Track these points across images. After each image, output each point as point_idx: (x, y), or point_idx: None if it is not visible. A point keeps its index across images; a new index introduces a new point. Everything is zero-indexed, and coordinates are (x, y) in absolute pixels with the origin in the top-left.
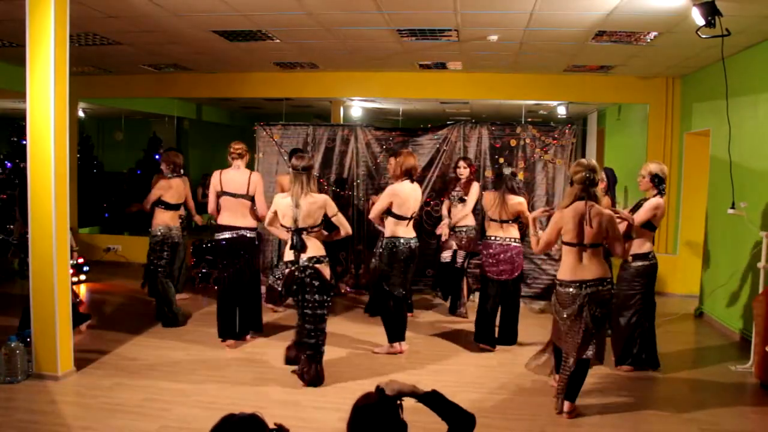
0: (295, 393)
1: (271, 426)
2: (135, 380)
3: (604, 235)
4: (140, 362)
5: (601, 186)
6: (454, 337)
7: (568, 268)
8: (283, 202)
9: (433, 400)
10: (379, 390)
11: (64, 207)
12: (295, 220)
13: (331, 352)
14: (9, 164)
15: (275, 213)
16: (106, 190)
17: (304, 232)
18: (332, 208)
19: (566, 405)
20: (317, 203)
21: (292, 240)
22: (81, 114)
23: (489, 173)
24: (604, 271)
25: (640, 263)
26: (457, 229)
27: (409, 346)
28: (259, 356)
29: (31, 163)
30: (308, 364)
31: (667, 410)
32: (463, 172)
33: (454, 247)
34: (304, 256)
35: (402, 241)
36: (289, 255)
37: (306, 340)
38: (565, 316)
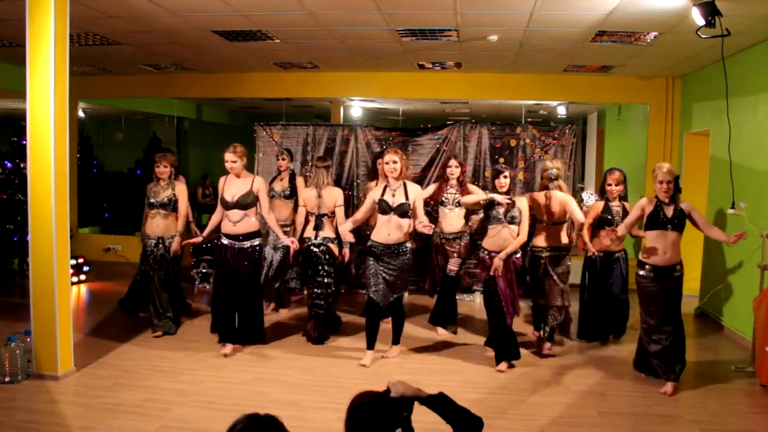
0: (295, 393)
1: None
2: (135, 380)
3: (562, 215)
4: (140, 362)
5: (619, 189)
6: (452, 337)
7: (542, 238)
8: (310, 195)
9: (438, 403)
10: (386, 390)
11: (64, 207)
12: (318, 207)
13: (331, 353)
14: (9, 164)
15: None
16: (106, 190)
17: (325, 217)
18: (340, 200)
19: (547, 345)
20: (333, 195)
21: (315, 222)
22: (81, 114)
23: (489, 173)
24: (562, 241)
25: (683, 271)
26: (453, 236)
27: (409, 346)
28: (259, 356)
29: (31, 163)
30: (315, 324)
31: (667, 410)
32: (455, 171)
33: (454, 255)
34: (321, 234)
35: None
36: (309, 233)
37: (315, 302)
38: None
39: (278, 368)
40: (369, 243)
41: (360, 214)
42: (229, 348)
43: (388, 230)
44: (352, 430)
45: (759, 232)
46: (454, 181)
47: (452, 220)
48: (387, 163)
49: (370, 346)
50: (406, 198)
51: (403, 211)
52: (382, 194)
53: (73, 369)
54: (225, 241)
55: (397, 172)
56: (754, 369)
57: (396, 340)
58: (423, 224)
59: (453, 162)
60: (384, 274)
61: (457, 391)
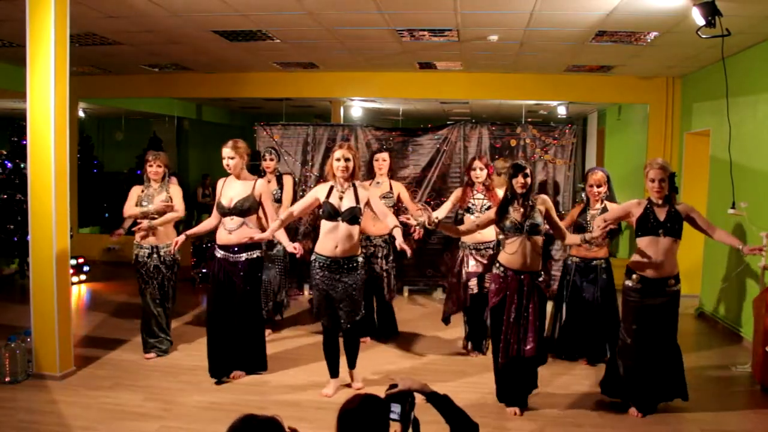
0: (296, 393)
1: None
2: (135, 380)
3: None
4: (140, 362)
5: (602, 191)
6: (453, 337)
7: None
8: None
9: (441, 402)
10: (390, 386)
11: (64, 207)
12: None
13: None
14: (9, 164)
15: None
16: (106, 190)
17: None
18: None
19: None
20: None
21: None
22: (81, 114)
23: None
24: None
25: (679, 285)
26: (483, 246)
27: (410, 347)
28: None
29: (31, 163)
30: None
31: (666, 410)
32: (480, 174)
33: (478, 269)
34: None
35: None
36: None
37: None
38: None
39: (278, 368)
40: (313, 257)
41: (297, 208)
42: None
43: (335, 241)
44: None
45: (759, 232)
46: (480, 186)
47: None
48: (338, 160)
49: (333, 374)
50: (356, 201)
51: (353, 216)
52: (328, 196)
53: (73, 369)
54: (219, 253)
55: (348, 172)
56: (753, 369)
57: (352, 364)
58: (403, 240)
59: (478, 164)
60: (333, 295)
61: (457, 392)
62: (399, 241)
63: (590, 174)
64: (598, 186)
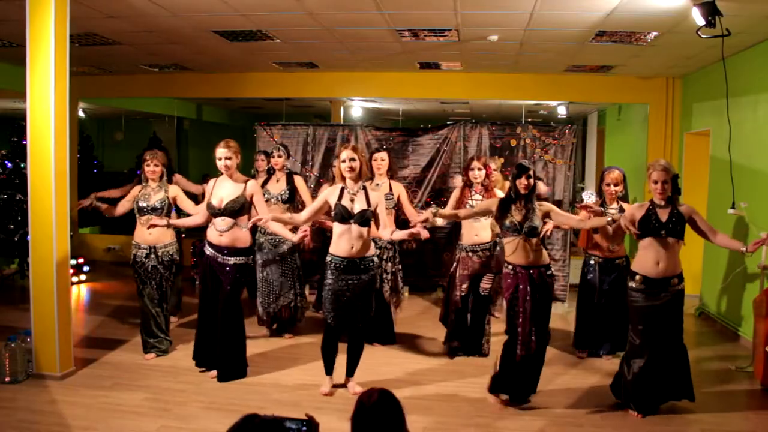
0: (295, 393)
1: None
2: (135, 380)
3: None
4: (140, 362)
5: (618, 189)
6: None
7: (491, 234)
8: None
9: None
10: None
11: (64, 207)
12: None
13: None
14: (9, 164)
15: None
16: (106, 190)
17: None
18: None
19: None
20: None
21: None
22: (81, 114)
23: (495, 176)
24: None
25: (683, 284)
26: (480, 248)
27: (410, 347)
28: (258, 356)
29: (31, 163)
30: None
31: (667, 411)
32: (478, 174)
33: (472, 271)
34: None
35: None
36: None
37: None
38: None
39: (277, 368)
40: (328, 258)
41: (306, 213)
42: (213, 372)
43: (349, 242)
44: (359, 429)
45: (759, 232)
46: (479, 186)
47: (479, 230)
48: (344, 161)
49: (329, 371)
50: (368, 204)
51: (366, 218)
52: (339, 198)
53: (73, 369)
54: (208, 251)
55: (355, 173)
56: (753, 369)
57: (351, 372)
58: (409, 231)
59: (476, 164)
60: (348, 294)
61: (458, 391)
62: (410, 231)
63: (607, 173)
64: (615, 185)
